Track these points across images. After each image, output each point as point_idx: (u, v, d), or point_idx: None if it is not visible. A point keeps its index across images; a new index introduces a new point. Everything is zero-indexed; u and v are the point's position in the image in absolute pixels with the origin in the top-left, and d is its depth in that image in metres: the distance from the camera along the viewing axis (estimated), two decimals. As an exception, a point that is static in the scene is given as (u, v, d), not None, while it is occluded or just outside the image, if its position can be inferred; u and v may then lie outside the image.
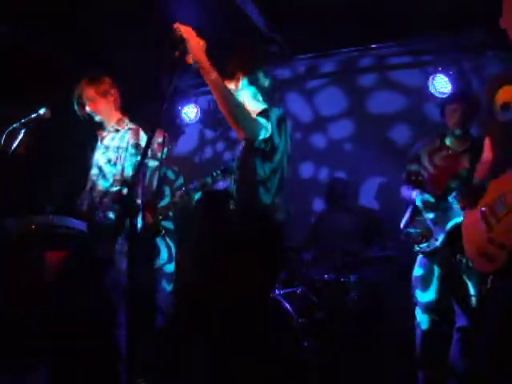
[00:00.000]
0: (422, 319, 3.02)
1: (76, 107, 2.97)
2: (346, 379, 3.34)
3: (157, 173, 2.90)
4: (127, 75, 5.04)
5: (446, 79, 4.12)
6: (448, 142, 3.17)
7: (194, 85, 5.44)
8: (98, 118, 3.00)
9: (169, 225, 3.86)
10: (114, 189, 2.83)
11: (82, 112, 2.98)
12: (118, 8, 3.83)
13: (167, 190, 3.98)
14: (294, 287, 3.79)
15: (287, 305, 3.43)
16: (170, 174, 4.09)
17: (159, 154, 3.54)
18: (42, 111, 2.89)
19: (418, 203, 3.11)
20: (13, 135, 2.80)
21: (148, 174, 2.86)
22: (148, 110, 4.99)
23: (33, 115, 2.87)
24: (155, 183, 2.89)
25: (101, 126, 3.04)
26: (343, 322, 3.66)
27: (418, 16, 3.87)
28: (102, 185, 2.87)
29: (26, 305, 2.69)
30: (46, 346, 2.71)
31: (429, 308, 3.00)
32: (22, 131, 2.83)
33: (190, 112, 5.33)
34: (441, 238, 2.94)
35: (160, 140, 3.91)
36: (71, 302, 2.64)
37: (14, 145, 2.79)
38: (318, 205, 4.91)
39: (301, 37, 4.47)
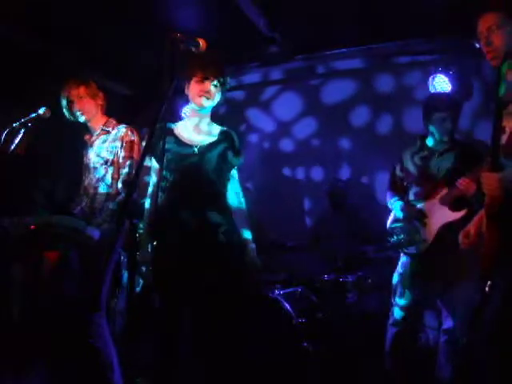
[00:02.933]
0: (397, 319, 2.98)
1: (64, 105, 2.97)
2: (345, 379, 3.33)
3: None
4: (127, 75, 5.05)
5: (446, 79, 4.12)
6: (429, 143, 3.09)
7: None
8: (83, 119, 2.99)
9: None
10: (115, 191, 2.83)
11: (70, 110, 2.98)
12: (119, 8, 3.83)
13: None
14: (293, 287, 3.79)
15: (287, 305, 3.43)
16: None
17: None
18: (41, 111, 2.89)
19: (397, 211, 3.07)
20: (12, 135, 2.79)
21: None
22: (148, 110, 5.02)
23: (32, 115, 2.87)
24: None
25: (88, 131, 3.04)
26: (343, 322, 3.66)
27: (416, 17, 3.88)
28: (101, 188, 2.86)
29: (26, 304, 2.69)
30: (46, 346, 2.71)
31: (404, 310, 2.95)
32: (22, 131, 2.83)
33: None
34: (430, 239, 2.87)
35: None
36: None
37: (14, 145, 2.79)
38: (307, 205, 5.05)
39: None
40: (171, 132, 2.49)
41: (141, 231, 3.62)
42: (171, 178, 2.40)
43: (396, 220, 3.09)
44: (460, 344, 2.68)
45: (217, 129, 2.58)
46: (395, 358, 2.98)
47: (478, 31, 2.03)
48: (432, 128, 3.01)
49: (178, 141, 2.48)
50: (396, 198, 3.14)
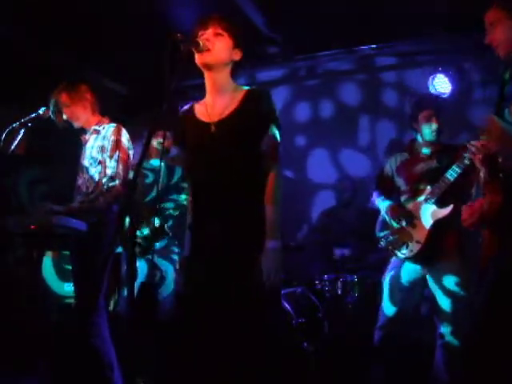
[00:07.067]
0: (384, 323, 2.94)
1: (52, 115, 2.93)
2: (345, 379, 3.33)
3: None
4: (127, 76, 5.05)
5: (446, 79, 4.11)
6: (418, 147, 3.06)
7: (194, 85, 5.44)
8: (76, 125, 2.97)
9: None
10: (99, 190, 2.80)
11: (59, 119, 2.94)
12: (118, 8, 3.83)
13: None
14: (293, 287, 3.79)
15: (287, 305, 3.43)
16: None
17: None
18: (41, 111, 2.89)
19: (382, 208, 3.03)
20: (12, 135, 2.79)
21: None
22: (148, 110, 5.02)
23: (32, 115, 2.87)
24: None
25: (83, 131, 3.03)
26: (343, 322, 3.66)
27: (417, 17, 3.88)
28: (92, 187, 2.85)
29: (26, 304, 2.69)
30: (46, 346, 2.72)
31: (393, 313, 2.90)
32: (22, 131, 2.83)
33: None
34: (422, 240, 2.81)
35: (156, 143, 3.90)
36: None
37: (13, 145, 2.79)
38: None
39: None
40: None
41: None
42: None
43: (384, 225, 3.05)
44: (458, 348, 2.65)
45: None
46: (385, 360, 2.94)
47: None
48: (422, 128, 2.98)
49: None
50: (382, 196, 3.10)
